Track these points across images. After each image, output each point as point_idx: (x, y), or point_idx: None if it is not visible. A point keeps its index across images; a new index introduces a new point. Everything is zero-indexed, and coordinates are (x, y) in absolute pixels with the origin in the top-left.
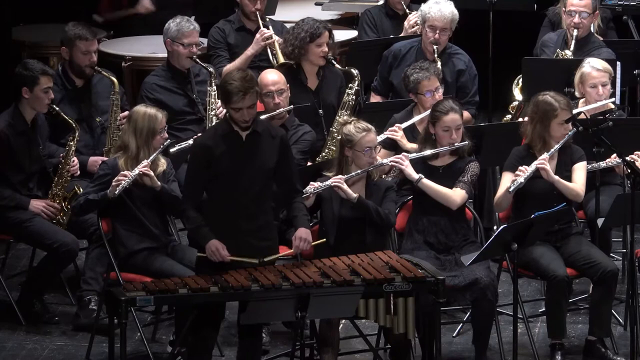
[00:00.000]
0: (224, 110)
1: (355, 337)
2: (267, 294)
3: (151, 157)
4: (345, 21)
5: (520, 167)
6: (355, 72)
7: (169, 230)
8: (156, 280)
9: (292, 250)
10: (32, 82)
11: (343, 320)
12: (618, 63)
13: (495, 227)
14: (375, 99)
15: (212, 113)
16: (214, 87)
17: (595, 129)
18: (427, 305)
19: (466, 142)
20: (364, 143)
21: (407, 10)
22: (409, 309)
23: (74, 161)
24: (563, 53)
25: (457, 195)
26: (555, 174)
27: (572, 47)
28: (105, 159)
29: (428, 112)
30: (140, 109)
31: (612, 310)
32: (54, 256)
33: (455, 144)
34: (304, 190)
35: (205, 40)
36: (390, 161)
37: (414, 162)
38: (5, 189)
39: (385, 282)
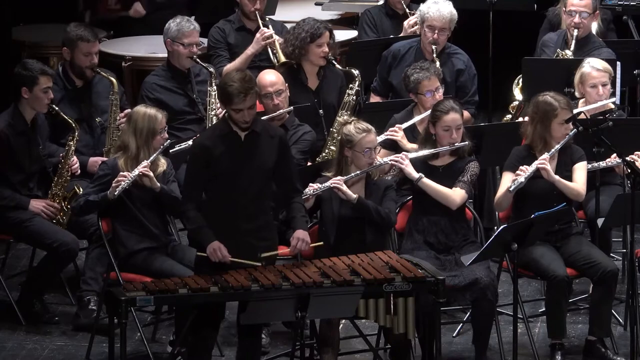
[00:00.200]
0: (223, 111)
1: (355, 337)
2: (267, 294)
3: (151, 158)
4: (345, 21)
5: (520, 167)
6: (355, 72)
7: (169, 230)
8: (156, 280)
9: (289, 250)
10: (31, 82)
11: (343, 320)
12: (618, 63)
13: (495, 227)
14: (374, 99)
15: (213, 113)
16: (214, 87)
17: (595, 129)
18: (427, 305)
19: (466, 142)
20: (363, 144)
21: (407, 10)
22: (409, 309)
23: (74, 160)
24: (563, 53)
25: (457, 195)
26: (555, 174)
27: (572, 47)
28: (105, 159)
29: (428, 112)
30: (140, 109)
31: (612, 310)
32: (54, 256)
33: (456, 144)
34: (303, 192)
35: (205, 40)
36: (391, 160)
37: (414, 162)
38: (5, 189)
39: (385, 282)
